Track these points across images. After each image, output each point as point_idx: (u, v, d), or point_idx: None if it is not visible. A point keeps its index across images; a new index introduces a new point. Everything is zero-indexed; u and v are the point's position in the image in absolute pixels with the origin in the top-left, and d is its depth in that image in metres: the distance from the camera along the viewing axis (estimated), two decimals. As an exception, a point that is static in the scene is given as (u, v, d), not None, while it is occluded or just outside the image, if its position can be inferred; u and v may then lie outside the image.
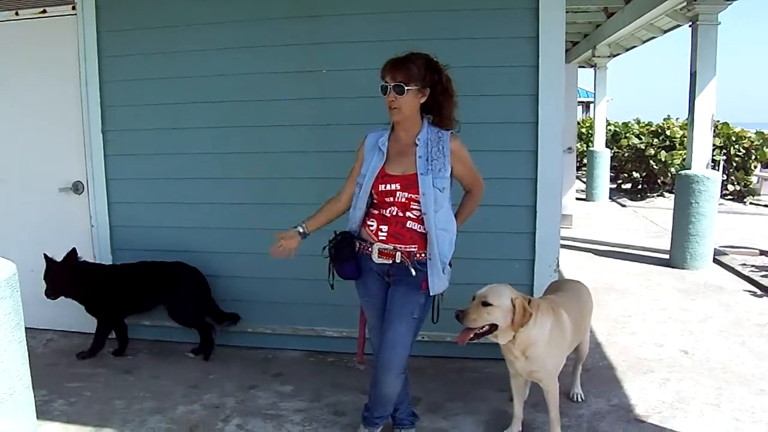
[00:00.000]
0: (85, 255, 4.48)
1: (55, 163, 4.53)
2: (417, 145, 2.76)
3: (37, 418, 2.32)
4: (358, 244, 2.86)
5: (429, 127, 2.80)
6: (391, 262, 2.79)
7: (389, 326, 2.79)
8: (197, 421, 3.36)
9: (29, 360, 2.14)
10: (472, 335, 2.79)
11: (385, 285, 2.88)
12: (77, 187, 4.48)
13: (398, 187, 2.75)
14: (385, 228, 2.79)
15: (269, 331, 4.38)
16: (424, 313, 2.84)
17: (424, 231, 2.76)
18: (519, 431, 3.17)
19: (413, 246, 2.78)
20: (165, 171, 4.37)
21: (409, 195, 2.74)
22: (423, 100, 2.74)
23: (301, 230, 2.95)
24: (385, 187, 2.77)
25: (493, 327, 2.80)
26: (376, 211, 2.83)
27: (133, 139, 4.38)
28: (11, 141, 4.58)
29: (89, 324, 4.59)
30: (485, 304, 2.78)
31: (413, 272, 2.75)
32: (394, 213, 2.78)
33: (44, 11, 4.38)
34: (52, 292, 4.06)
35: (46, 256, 4.07)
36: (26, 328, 2.18)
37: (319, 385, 3.81)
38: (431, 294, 2.79)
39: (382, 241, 2.79)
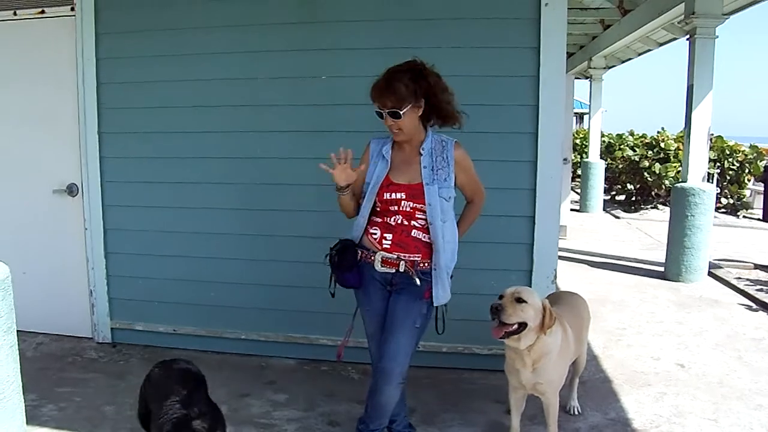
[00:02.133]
0: (78, 258, 4.45)
1: (49, 164, 4.48)
2: (421, 154, 2.75)
3: (26, 423, 2.28)
4: (360, 253, 2.82)
5: (433, 135, 2.78)
6: (394, 270, 2.76)
7: (391, 336, 2.75)
8: (189, 429, 3.31)
9: (19, 364, 2.10)
10: (504, 332, 2.74)
11: (386, 294, 2.84)
12: (72, 190, 4.43)
13: (403, 197, 2.73)
14: (389, 236, 2.76)
15: (263, 339, 4.33)
16: (426, 322, 2.81)
17: (428, 240, 2.74)
18: None
19: (417, 255, 2.75)
20: (161, 175, 4.33)
21: (415, 204, 2.72)
22: (420, 111, 2.71)
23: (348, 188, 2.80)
24: (390, 196, 2.74)
25: (523, 326, 2.75)
26: (379, 219, 2.80)
27: (130, 141, 4.34)
28: (5, 141, 4.53)
29: (81, 327, 4.56)
30: (519, 300, 2.74)
31: (418, 282, 2.72)
32: (399, 221, 2.75)
33: (43, 11, 4.34)
34: None
35: None
36: (17, 332, 2.15)
37: (312, 394, 3.77)
38: (435, 305, 2.77)
39: (386, 249, 2.76)
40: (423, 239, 2.75)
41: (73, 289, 4.54)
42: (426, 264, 2.75)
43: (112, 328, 4.53)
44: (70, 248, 4.49)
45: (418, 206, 2.71)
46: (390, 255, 2.75)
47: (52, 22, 4.34)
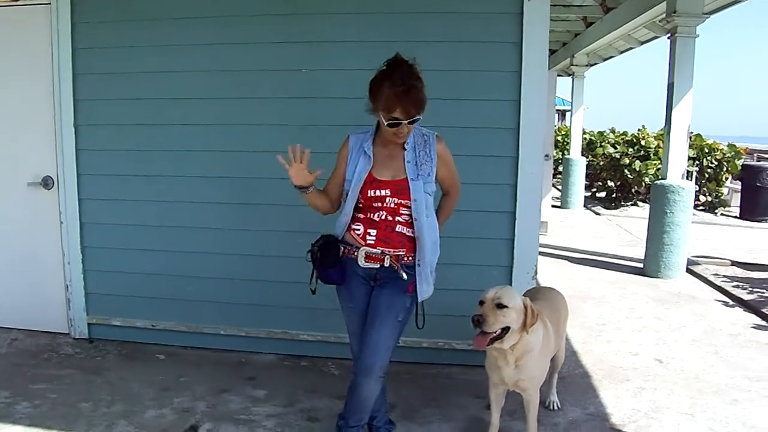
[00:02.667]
0: (54, 252, 4.38)
1: (24, 156, 4.39)
2: (405, 149, 2.69)
3: (-1, 421, 2.23)
4: (342, 248, 2.77)
5: (416, 131, 2.72)
6: (378, 266, 2.72)
7: (372, 329, 2.71)
8: (167, 426, 3.27)
9: (-8, 361, 2.06)
10: (488, 340, 2.70)
11: (369, 290, 2.79)
12: (47, 182, 4.35)
13: (388, 193, 2.68)
14: (373, 232, 2.71)
15: (243, 334, 4.30)
16: (408, 317, 2.78)
17: (412, 235, 2.72)
18: None
19: (402, 249, 2.72)
20: (139, 168, 4.26)
21: (399, 200, 2.67)
22: None
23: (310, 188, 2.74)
24: (374, 193, 2.69)
25: (506, 330, 2.72)
26: (361, 215, 2.74)
27: (107, 134, 4.27)
28: (-21, 133, 4.43)
29: (57, 323, 4.49)
30: (500, 306, 2.70)
31: (405, 276, 2.69)
32: (383, 217, 2.70)
33: (17, 0, 4.25)
34: None
35: None
36: (-10, 328, 2.10)
37: (292, 390, 3.74)
38: (419, 299, 2.75)
39: (370, 245, 2.71)
40: (407, 234, 2.72)
41: (49, 283, 4.47)
42: (410, 258, 2.73)
43: (88, 324, 4.47)
44: (45, 242, 4.42)
45: (403, 202, 2.67)
46: (374, 250, 2.71)
47: (26, 10, 4.25)
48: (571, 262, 7.50)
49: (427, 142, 2.72)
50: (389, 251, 2.70)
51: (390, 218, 2.70)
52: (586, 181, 13.17)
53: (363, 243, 2.72)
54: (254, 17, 4.03)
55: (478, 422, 3.34)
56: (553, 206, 11.60)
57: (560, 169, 14.04)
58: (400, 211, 2.69)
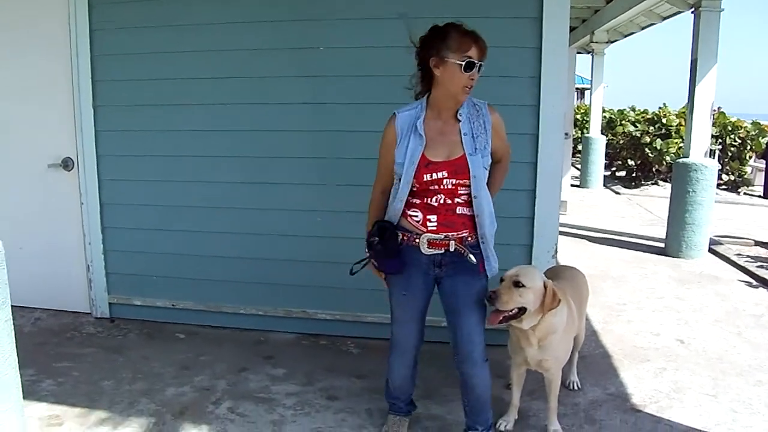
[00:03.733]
0: (75, 233, 4.41)
1: (44, 138, 4.41)
2: (460, 120, 2.51)
3: (24, 398, 2.26)
4: (401, 236, 2.60)
5: (469, 99, 2.54)
6: (443, 251, 2.57)
7: (461, 318, 2.61)
8: (187, 404, 3.30)
9: (16, 339, 2.07)
10: (501, 318, 2.65)
11: (430, 279, 2.66)
12: (67, 164, 4.38)
13: (445, 175, 2.48)
14: (433, 218, 2.54)
15: (261, 313, 4.32)
16: (486, 291, 2.66)
17: (472, 213, 2.56)
18: (516, 419, 3.13)
19: (464, 231, 2.57)
20: (158, 148, 4.27)
21: (457, 181, 2.49)
22: None
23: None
24: (431, 177, 2.48)
25: (522, 310, 2.65)
26: (417, 201, 2.56)
27: (126, 114, 4.27)
28: (-1, 115, 4.46)
29: (79, 302, 4.54)
30: (517, 285, 2.63)
31: (473, 260, 2.55)
32: (442, 201, 2.53)
33: (34, -18, 4.25)
34: None
35: None
36: (14, 307, 2.12)
37: (311, 369, 3.75)
38: (489, 276, 2.65)
39: (432, 231, 2.55)
40: (468, 213, 2.56)
41: (71, 264, 4.51)
42: (473, 237, 2.60)
43: (109, 303, 4.52)
44: (66, 223, 4.45)
45: (461, 182, 2.49)
46: (437, 236, 2.55)
47: (44, -8, 4.24)
48: (591, 241, 7.44)
49: (480, 112, 2.54)
50: (452, 235, 2.55)
51: (449, 201, 2.53)
52: (606, 160, 13.03)
53: (425, 229, 2.56)
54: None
55: (498, 401, 3.33)
56: (572, 185, 11.50)
57: (579, 148, 13.90)
58: (459, 192, 2.52)
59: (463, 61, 2.39)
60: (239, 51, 4.07)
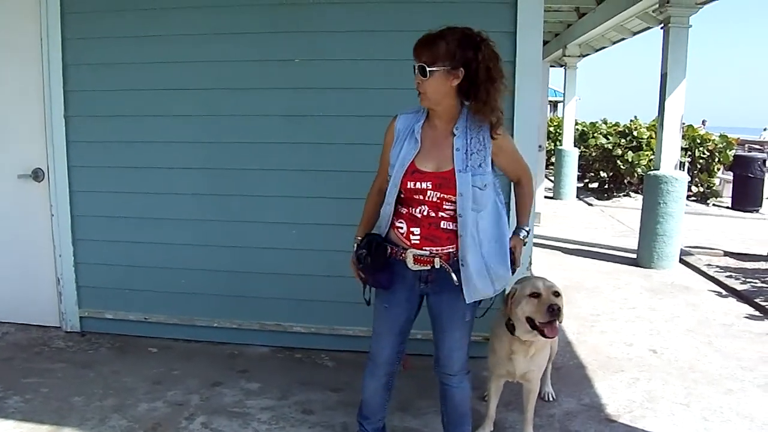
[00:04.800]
0: (45, 245, 4.34)
1: (13, 148, 4.33)
2: (455, 134, 2.42)
3: (-10, 416, 2.21)
4: (390, 249, 2.54)
5: (469, 114, 2.43)
6: (429, 267, 2.48)
7: (443, 335, 2.59)
8: (160, 419, 3.25)
9: (-18, 355, 2.03)
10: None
11: (416, 295, 2.60)
12: (37, 174, 4.30)
13: (429, 186, 2.41)
14: (417, 231, 2.47)
15: (235, 326, 4.27)
16: (476, 310, 2.61)
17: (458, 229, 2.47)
18: (491, 431, 3.13)
19: (451, 247, 2.45)
20: (130, 159, 4.21)
21: (442, 195, 2.40)
22: (455, 82, 2.34)
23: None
24: (414, 185, 2.42)
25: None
26: (404, 210, 2.51)
27: (98, 125, 4.21)
28: (-33, 125, 4.37)
29: (48, 316, 4.45)
30: (556, 294, 2.69)
31: (455, 280, 2.44)
32: (425, 213, 2.45)
33: (4, -10, 4.19)
34: None
35: None
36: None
37: (286, 383, 3.72)
38: (467, 301, 2.47)
39: (415, 245, 2.47)
40: (454, 229, 2.44)
41: (40, 277, 4.42)
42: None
43: (80, 317, 4.43)
44: (36, 235, 4.37)
45: (446, 196, 2.40)
46: (422, 252, 2.46)
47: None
48: (565, 252, 7.50)
49: (482, 128, 2.42)
50: (437, 251, 2.46)
51: (433, 214, 2.45)
52: (579, 172, 13.19)
53: (408, 243, 2.49)
54: (246, 6, 3.98)
55: (473, 413, 3.31)
56: (545, 197, 11.61)
57: (553, 160, 14.05)
58: (444, 206, 2.43)
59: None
60: (213, 62, 4.05)
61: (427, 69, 2.32)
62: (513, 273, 2.56)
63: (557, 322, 2.65)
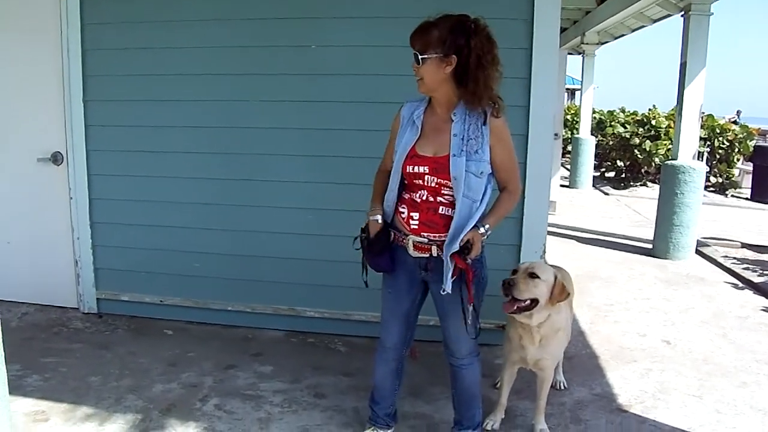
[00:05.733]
0: (63, 228, 4.39)
1: (33, 132, 4.39)
2: (453, 120, 2.45)
3: (10, 393, 2.25)
4: (392, 234, 2.59)
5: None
6: (428, 255, 2.53)
7: (447, 323, 2.63)
8: (174, 400, 3.30)
9: (3, 334, 2.06)
10: (515, 308, 2.69)
11: (417, 282, 2.65)
12: (56, 158, 4.35)
13: (427, 171, 2.46)
14: (416, 215, 2.51)
15: (249, 310, 4.31)
16: (480, 295, 2.60)
17: None
18: (503, 418, 3.15)
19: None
20: (147, 143, 4.25)
21: (439, 180, 2.45)
22: (449, 69, 2.37)
23: (380, 220, 2.60)
24: (413, 169, 2.48)
25: (534, 302, 2.69)
26: (407, 195, 2.55)
27: (116, 109, 4.26)
28: (-13, 108, 4.42)
29: (66, 298, 4.52)
30: (532, 276, 2.68)
31: (451, 267, 2.44)
32: (424, 198, 2.50)
33: (24, -26, 4.22)
34: None
35: None
36: (1, 301, 2.11)
37: (299, 366, 3.75)
38: (442, 291, 2.49)
39: (414, 231, 2.51)
40: (452, 215, 2.47)
41: (59, 259, 4.49)
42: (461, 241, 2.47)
43: (97, 299, 4.50)
44: (54, 218, 4.43)
45: (443, 181, 2.44)
46: (421, 239, 2.51)
47: (35, -15, 4.22)
48: (579, 242, 7.47)
49: (481, 115, 2.45)
50: (435, 237, 2.50)
51: (431, 199, 2.49)
52: (596, 160, 13.08)
53: (408, 229, 2.53)
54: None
55: (485, 400, 3.33)
56: (561, 186, 11.55)
57: (569, 148, 13.95)
58: (442, 192, 2.47)
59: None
60: (230, 48, 4.07)
61: (420, 56, 2.38)
62: (469, 264, 2.46)
63: (512, 300, 2.67)
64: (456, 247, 2.43)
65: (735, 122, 16.82)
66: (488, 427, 3.10)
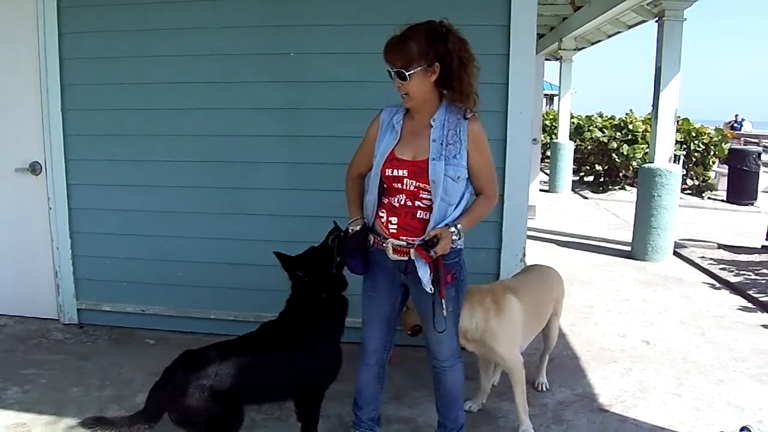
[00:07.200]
0: (42, 238, 4.36)
1: (11, 142, 4.35)
2: (432, 126, 2.48)
3: (-10, 405, 2.24)
4: (372, 238, 2.63)
5: (448, 106, 2.51)
6: (407, 258, 2.53)
7: (428, 326, 2.63)
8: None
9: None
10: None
11: (398, 285, 2.68)
12: (35, 168, 4.32)
13: (406, 174, 2.49)
14: (394, 220, 2.54)
15: (231, 318, 4.29)
16: (460, 297, 2.66)
17: None
18: (483, 403, 3.24)
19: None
20: (127, 153, 4.24)
21: (418, 183, 2.48)
22: (434, 77, 2.42)
23: (360, 225, 2.65)
24: (392, 173, 2.51)
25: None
26: (386, 200, 2.59)
27: (95, 119, 4.24)
28: (-36, 118, 4.38)
29: (46, 309, 4.48)
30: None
31: (428, 270, 2.47)
32: (403, 202, 2.53)
33: (1, -16, 4.20)
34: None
35: None
36: (-21, 313, 2.10)
37: (283, 373, 3.74)
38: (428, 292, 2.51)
39: (392, 234, 2.54)
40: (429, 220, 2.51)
41: (38, 269, 4.45)
42: None
43: (78, 309, 4.46)
44: (34, 228, 4.39)
45: (422, 185, 2.48)
46: (400, 243, 2.53)
47: (12, -6, 4.19)
48: (559, 245, 7.55)
49: (460, 121, 2.49)
50: (413, 241, 2.50)
51: (410, 203, 2.52)
52: (574, 165, 13.23)
53: (387, 233, 2.56)
54: (242, 0, 4.01)
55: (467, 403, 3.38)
56: (541, 190, 11.64)
57: (548, 153, 14.08)
58: (421, 196, 2.50)
59: (387, 70, 2.47)
60: (209, 56, 4.07)
61: (406, 73, 2.39)
62: (432, 257, 2.45)
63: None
64: (420, 240, 2.46)
65: (733, 127, 17.08)
66: (467, 408, 3.15)
